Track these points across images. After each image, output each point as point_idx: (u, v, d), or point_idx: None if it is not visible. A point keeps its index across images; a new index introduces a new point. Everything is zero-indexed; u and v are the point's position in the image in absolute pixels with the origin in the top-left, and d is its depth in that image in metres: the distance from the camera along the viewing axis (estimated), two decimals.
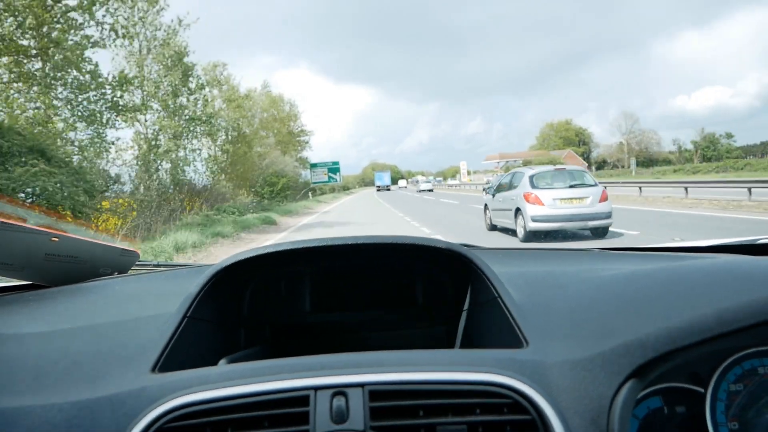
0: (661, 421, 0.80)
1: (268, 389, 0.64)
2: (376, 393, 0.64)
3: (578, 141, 77.45)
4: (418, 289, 1.07)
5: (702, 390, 0.80)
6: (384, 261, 1.07)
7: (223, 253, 10.15)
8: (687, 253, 1.27)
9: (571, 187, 9.01)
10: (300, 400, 0.64)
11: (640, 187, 20.34)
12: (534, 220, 8.72)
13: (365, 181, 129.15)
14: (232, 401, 0.63)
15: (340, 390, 0.64)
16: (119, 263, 1.37)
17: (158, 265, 1.57)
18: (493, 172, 76.30)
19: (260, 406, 0.63)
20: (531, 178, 9.23)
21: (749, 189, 14.57)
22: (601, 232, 8.96)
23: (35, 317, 0.96)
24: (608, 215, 8.74)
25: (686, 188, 17.53)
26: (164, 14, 16.31)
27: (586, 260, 1.24)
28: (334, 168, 45.29)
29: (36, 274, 1.19)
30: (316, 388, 0.64)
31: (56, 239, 1.14)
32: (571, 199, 8.75)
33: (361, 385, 0.65)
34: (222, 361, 0.86)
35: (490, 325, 0.89)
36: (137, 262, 1.46)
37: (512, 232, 9.59)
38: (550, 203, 8.68)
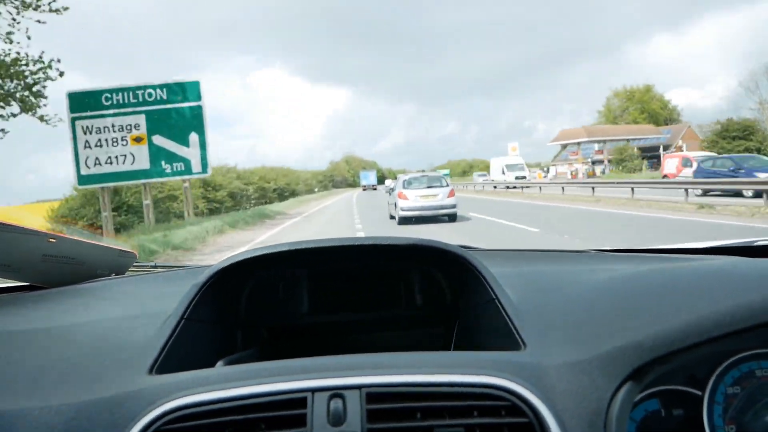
0: (658, 424, 0.80)
1: (266, 391, 0.64)
2: (374, 395, 0.64)
3: (665, 118, 53.46)
4: (415, 291, 1.07)
5: (699, 393, 0.80)
6: (381, 262, 1.07)
7: None
8: (684, 255, 1.28)
9: (428, 187, 12.99)
10: (297, 402, 0.64)
11: None
12: (402, 210, 12.77)
13: (335, 181, 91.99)
14: (230, 403, 0.63)
15: (337, 392, 0.64)
16: (117, 264, 1.37)
17: (156, 266, 1.56)
18: (569, 162, 48.10)
19: (258, 408, 0.63)
20: (403, 181, 13.49)
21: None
22: (451, 217, 12.93)
23: (33, 318, 0.95)
24: (453, 206, 12.85)
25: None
26: None
27: (583, 261, 1.24)
28: (179, 112, 13.43)
29: (33, 275, 1.19)
30: (314, 390, 0.64)
31: (53, 240, 1.14)
32: (427, 196, 12.72)
33: (359, 387, 0.64)
34: (219, 363, 0.86)
35: (488, 326, 0.89)
36: (135, 263, 1.46)
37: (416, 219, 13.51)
38: (413, 198, 12.69)
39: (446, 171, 72.91)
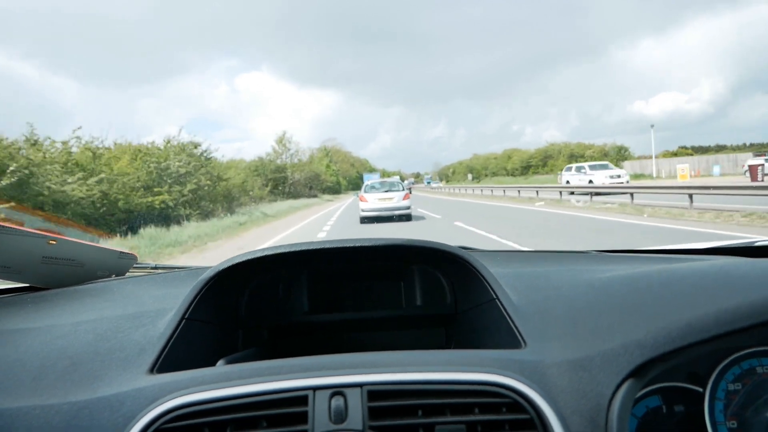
0: (659, 420, 0.80)
1: (267, 389, 0.64)
2: (375, 393, 0.64)
3: None
4: (416, 291, 1.07)
5: (701, 389, 0.80)
6: (382, 263, 1.07)
7: None
8: (685, 255, 1.28)
9: (386, 191, 15.12)
10: (299, 400, 0.64)
11: None
12: (363, 211, 14.89)
13: (291, 185, 43.57)
14: (231, 401, 0.63)
15: (338, 390, 0.64)
16: (117, 266, 1.37)
17: (156, 268, 1.56)
18: None
19: (259, 406, 0.63)
20: (365, 186, 15.91)
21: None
22: (405, 217, 14.94)
23: (33, 319, 0.95)
24: (407, 207, 14.97)
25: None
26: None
27: (584, 262, 1.24)
28: None
29: (34, 276, 1.19)
30: (315, 389, 0.64)
31: (54, 242, 1.14)
32: (384, 198, 14.85)
33: (360, 385, 0.65)
34: (220, 362, 0.86)
35: (489, 326, 0.89)
36: (135, 265, 1.45)
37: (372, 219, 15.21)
38: (372, 201, 14.83)
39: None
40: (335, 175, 67.36)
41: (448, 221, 14.22)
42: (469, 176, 77.35)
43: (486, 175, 75.68)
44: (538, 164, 68.13)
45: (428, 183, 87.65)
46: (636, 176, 38.09)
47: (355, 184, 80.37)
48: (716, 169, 35.29)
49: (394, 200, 14.87)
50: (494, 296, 0.87)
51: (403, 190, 15.48)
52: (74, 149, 17.30)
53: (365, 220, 15.06)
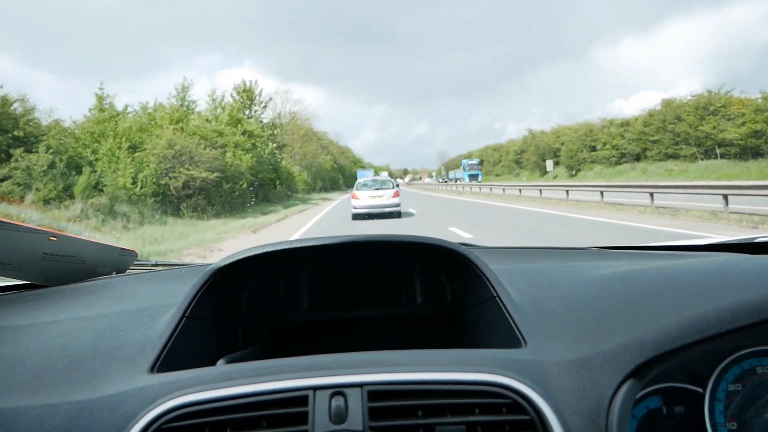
0: (659, 421, 0.80)
1: (267, 389, 0.64)
2: (375, 393, 0.64)
3: None
4: (416, 288, 1.07)
5: (701, 390, 0.80)
6: (382, 260, 1.07)
7: None
8: (685, 252, 1.27)
9: (376, 189, 15.97)
10: (299, 400, 0.64)
11: None
12: (355, 208, 15.66)
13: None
14: (231, 401, 0.63)
15: (338, 390, 0.64)
16: (117, 262, 1.37)
17: (156, 265, 1.56)
18: None
19: (259, 406, 0.63)
20: (357, 184, 16.72)
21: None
22: (395, 214, 15.65)
23: (33, 317, 0.95)
24: (397, 205, 15.72)
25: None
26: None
27: (584, 259, 1.24)
28: None
29: (34, 273, 1.19)
30: (315, 388, 0.64)
31: (54, 238, 1.14)
32: (375, 196, 15.60)
33: (360, 385, 0.64)
34: (220, 362, 0.86)
35: (489, 324, 0.89)
36: (135, 262, 1.45)
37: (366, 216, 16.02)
38: (364, 198, 15.61)
39: None
40: (266, 152, 29.55)
41: None
42: (549, 164, 41.98)
43: (592, 162, 39.46)
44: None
45: (468, 177, 53.44)
46: None
47: (333, 181, 60.73)
48: None
49: (385, 198, 15.69)
50: (495, 294, 0.87)
51: (393, 188, 16.44)
52: None
53: (357, 216, 15.85)
